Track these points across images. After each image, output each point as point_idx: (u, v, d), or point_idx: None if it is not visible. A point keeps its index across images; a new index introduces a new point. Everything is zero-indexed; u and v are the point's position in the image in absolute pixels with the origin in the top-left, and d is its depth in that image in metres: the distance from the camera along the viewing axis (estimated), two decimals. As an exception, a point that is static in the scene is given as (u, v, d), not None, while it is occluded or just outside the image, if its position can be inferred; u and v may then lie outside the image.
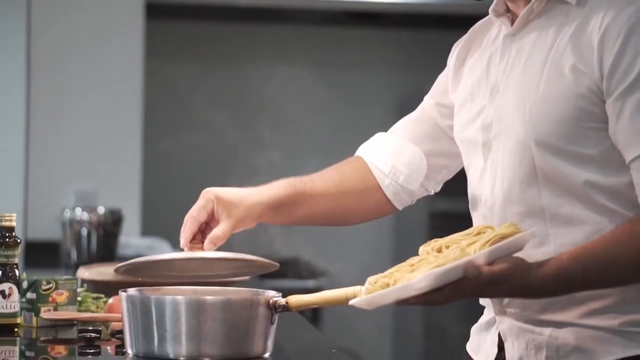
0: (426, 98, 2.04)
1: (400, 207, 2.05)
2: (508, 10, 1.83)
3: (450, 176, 2.05)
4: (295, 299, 1.81)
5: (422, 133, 2.01)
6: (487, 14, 1.89)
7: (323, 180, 2.01)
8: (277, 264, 1.89)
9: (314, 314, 5.06)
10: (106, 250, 4.12)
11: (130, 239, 4.37)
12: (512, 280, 1.59)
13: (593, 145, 1.70)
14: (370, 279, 1.62)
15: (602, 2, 1.70)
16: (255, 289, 1.90)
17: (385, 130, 2.08)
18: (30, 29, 4.70)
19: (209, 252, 1.86)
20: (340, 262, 5.68)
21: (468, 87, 1.89)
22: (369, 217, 2.08)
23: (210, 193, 1.91)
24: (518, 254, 1.63)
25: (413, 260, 1.63)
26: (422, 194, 2.05)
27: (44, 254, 4.39)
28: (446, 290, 1.57)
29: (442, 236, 1.68)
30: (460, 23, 3.14)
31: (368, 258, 5.73)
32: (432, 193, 2.06)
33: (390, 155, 2.02)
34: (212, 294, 1.88)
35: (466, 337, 1.95)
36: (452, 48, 1.98)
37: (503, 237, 1.61)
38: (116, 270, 1.88)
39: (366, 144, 2.07)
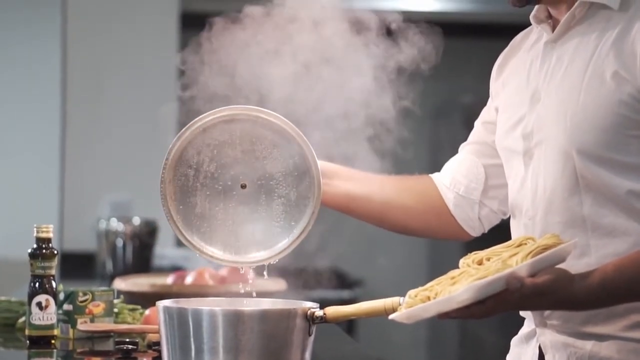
0: (476, 122, 2.02)
1: (469, 229, 1.98)
2: (549, 16, 1.81)
3: None
4: (333, 311, 1.79)
5: (475, 153, 1.98)
6: (523, 22, 1.87)
7: (380, 175, 2.00)
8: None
9: (348, 323, 5.04)
10: (141, 261, 4.12)
11: (166, 249, 4.36)
12: (556, 292, 1.57)
13: (635, 153, 1.67)
14: (411, 293, 1.60)
15: (645, 6, 1.68)
16: (293, 300, 1.89)
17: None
18: (66, 40, 4.73)
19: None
20: (375, 273, 5.66)
21: (508, 93, 1.87)
22: (434, 231, 2.03)
23: None
24: (560, 266, 1.61)
25: (454, 272, 1.61)
26: (489, 217, 1.98)
27: (79, 265, 4.40)
28: (488, 302, 1.55)
29: (476, 247, 1.67)
30: (496, 32, 3.12)
31: (403, 268, 5.71)
32: (505, 216, 1.97)
33: (451, 169, 2.00)
34: (249, 306, 1.87)
35: (502, 348, 1.93)
36: (497, 60, 1.96)
37: (545, 249, 1.59)
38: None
39: None
